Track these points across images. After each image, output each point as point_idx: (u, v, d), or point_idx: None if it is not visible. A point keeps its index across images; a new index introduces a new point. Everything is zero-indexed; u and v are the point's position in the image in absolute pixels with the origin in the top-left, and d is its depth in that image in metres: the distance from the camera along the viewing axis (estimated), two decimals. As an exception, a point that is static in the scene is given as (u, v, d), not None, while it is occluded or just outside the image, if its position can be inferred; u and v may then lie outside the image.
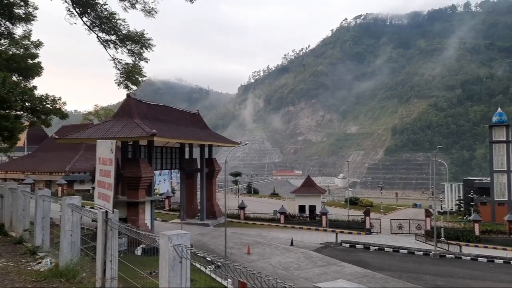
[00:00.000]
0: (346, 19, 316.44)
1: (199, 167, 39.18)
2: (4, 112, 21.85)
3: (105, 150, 7.00)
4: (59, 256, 8.86)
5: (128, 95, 29.45)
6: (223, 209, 33.30)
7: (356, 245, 32.22)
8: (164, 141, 31.90)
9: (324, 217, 39.57)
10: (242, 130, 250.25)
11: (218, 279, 18.31)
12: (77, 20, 13.68)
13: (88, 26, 13.87)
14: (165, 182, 56.37)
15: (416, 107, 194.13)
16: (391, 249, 31.25)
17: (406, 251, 30.94)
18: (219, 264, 4.09)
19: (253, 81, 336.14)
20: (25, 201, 12.55)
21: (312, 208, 43.75)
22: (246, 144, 44.45)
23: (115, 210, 6.80)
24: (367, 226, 39.08)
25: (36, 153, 58.56)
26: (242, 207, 42.43)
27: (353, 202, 52.83)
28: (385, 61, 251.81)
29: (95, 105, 75.32)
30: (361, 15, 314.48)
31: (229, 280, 17.81)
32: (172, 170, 48.58)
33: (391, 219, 40.95)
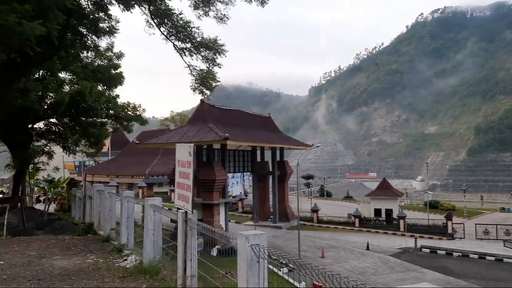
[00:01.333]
0: (422, 14, 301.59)
1: (271, 170, 39.46)
2: (91, 119, 23.61)
3: (184, 153, 7.29)
4: (142, 254, 9.37)
5: (202, 101, 30.47)
6: (296, 212, 33.24)
7: (438, 251, 30.58)
8: (236, 144, 32.55)
9: (401, 221, 38.06)
10: (314, 132, 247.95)
11: (291, 281, 18.31)
12: (155, 30, 14.47)
13: (165, 36, 14.61)
14: (238, 184, 57.47)
15: (502, 104, 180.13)
16: (476, 256, 29.27)
17: (493, 258, 28.78)
18: (293, 267, 4.09)
19: (324, 82, 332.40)
20: (112, 202, 13.43)
21: (389, 212, 42.27)
22: (318, 146, 44.05)
23: (194, 211, 7.05)
24: (449, 231, 36.92)
25: (119, 158, 62.32)
26: (315, 210, 42.06)
27: (433, 206, 50.18)
28: (466, 56, 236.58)
29: (171, 111, 78.78)
30: (438, 9, 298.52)
31: (303, 283, 17.75)
32: (245, 173, 49.36)
33: (476, 224, 38.33)
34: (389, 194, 43.83)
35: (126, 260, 9.94)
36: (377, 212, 42.76)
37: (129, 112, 25.37)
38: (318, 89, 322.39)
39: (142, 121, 26.31)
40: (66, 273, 8.55)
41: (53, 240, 13.52)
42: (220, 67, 15.16)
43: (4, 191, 53.96)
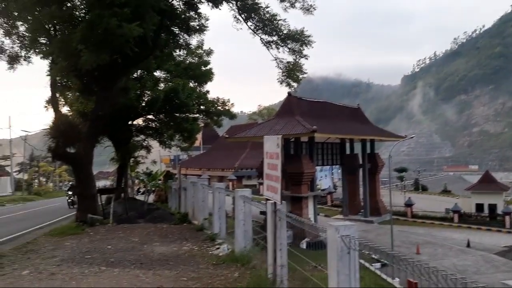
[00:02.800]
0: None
1: (361, 162, 38.40)
2: (184, 115, 24.82)
3: (272, 145, 7.35)
4: (234, 243, 9.66)
5: (289, 94, 30.49)
6: (388, 206, 32.03)
7: (550, 251, 27.63)
8: (324, 137, 32.14)
9: (507, 217, 34.90)
10: (407, 123, 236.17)
11: (384, 276, 17.68)
12: (242, 25, 14.77)
13: (252, 30, 14.86)
14: (326, 178, 56.85)
15: None
16: None
17: None
18: (386, 262, 3.92)
19: (417, 70, 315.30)
20: (204, 194, 14.03)
21: (492, 207, 38.98)
22: (412, 137, 41.89)
23: (283, 202, 7.08)
24: None
25: (210, 152, 64.78)
26: (409, 204, 40.18)
27: (544, 201, 45.34)
28: None
29: (259, 105, 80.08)
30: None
31: (397, 279, 17.08)
32: (333, 166, 48.62)
33: None
34: (492, 188, 40.41)
35: (218, 248, 10.32)
36: (479, 207, 39.66)
37: (218, 107, 26.24)
38: (412, 77, 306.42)
39: (231, 115, 27.06)
40: (165, 259, 9.10)
41: (153, 228, 14.47)
42: (307, 59, 15.09)
43: (109, 183, 58.89)
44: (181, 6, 15.84)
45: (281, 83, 15.85)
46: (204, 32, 16.54)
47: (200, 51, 24.99)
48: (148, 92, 24.02)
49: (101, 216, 16.33)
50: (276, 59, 15.41)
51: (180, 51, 20.01)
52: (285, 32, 14.68)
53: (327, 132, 30.09)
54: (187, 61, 25.33)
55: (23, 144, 58.39)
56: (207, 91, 26.29)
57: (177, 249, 10.33)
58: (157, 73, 24.91)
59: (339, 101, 48.22)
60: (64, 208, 29.35)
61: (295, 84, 16.02)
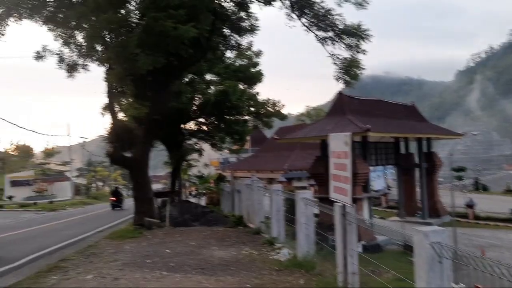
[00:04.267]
0: None
1: (417, 162, 36.80)
2: (234, 117, 24.76)
3: (339, 144, 6.92)
4: (295, 248, 9.28)
5: (340, 93, 29.72)
6: (447, 207, 30.45)
7: None
8: (378, 136, 31.03)
9: None
10: (463, 119, 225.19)
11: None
12: (295, 22, 14.40)
13: (306, 27, 14.45)
14: (380, 178, 55.07)
15: None
16: None
17: None
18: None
19: (472, 65, 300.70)
20: (260, 196, 13.76)
21: None
22: (475, 134, 39.69)
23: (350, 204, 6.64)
24: None
25: (259, 154, 64.68)
26: (470, 205, 38.00)
27: None
28: None
29: (306, 106, 79.12)
30: None
31: (461, 284, 16.04)
32: (387, 166, 47.03)
33: None
34: (562, 187, 37.56)
35: (279, 253, 9.97)
36: (548, 207, 36.91)
37: (269, 108, 25.97)
38: (467, 72, 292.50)
39: (282, 116, 26.71)
40: (225, 264, 8.86)
41: (209, 231, 14.35)
42: (364, 54, 14.45)
43: (161, 187, 60.22)
44: (232, 7, 15.70)
45: (338, 81, 15.32)
46: (255, 32, 16.31)
47: (249, 52, 24.83)
48: (199, 96, 24.14)
49: (157, 219, 16.45)
50: (332, 56, 14.90)
51: (231, 52, 19.93)
52: (341, 27, 14.15)
53: (381, 131, 29.04)
54: (237, 63, 25.24)
55: (81, 150, 60.93)
56: (257, 93, 26.10)
57: (236, 253, 10.08)
58: (208, 77, 25.01)
59: (388, 99, 46.67)
60: (121, 211, 30.14)
61: (352, 81, 15.42)
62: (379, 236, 22.80)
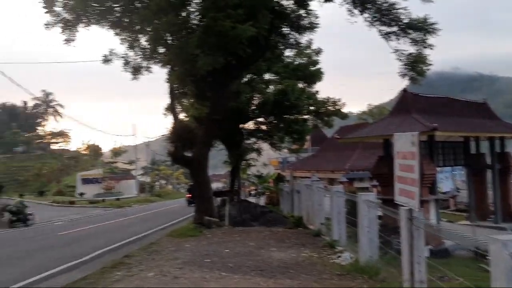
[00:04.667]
0: None
1: (488, 163, 34.50)
2: (293, 116, 24.49)
3: (405, 143, 6.51)
4: (357, 252, 8.91)
5: (404, 90, 28.53)
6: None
7: None
8: (445, 135, 29.40)
9: None
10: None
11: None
12: (357, 18, 13.92)
13: (369, 22, 13.92)
14: (447, 180, 52.36)
15: None
16: None
17: None
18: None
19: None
20: (320, 197, 13.42)
21: None
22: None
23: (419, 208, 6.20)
24: None
25: (319, 154, 63.78)
26: (548, 210, 35.10)
27: None
28: None
29: (368, 105, 77.00)
30: None
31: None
32: (455, 167, 44.60)
33: None
34: None
35: (340, 257, 9.62)
36: None
37: (329, 107, 25.45)
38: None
39: (343, 115, 26.09)
40: (284, 266, 8.67)
41: (268, 232, 14.24)
42: (431, 49, 13.65)
43: (220, 186, 61.18)
44: (291, 5, 15.47)
45: (403, 77, 14.64)
46: (315, 29, 15.96)
47: (308, 51, 24.46)
48: (258, 95, 24.14)
49: (217, 219, 16.60)
50: (396, 51, 14.23)
51: (291, 50, 19.71)
52: (405, 21, 13.47)
53: (450, 130, 27.46)
54: (296, 62, 24.96)
55: (145, 149, 63.41)
56: (317, 91, 25.68)
57: (296, 255, 9.86)
58: (266, 76, 24.95)
59: (455, 96, 44.18)
60: (182, 209, 30.91)
61: (419, 78, 14.65)
62: (447, 240, 21.64)
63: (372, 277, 7.55)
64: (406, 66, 14.35)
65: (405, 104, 29.40)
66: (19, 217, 20.31)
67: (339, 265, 8.79)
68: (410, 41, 13.82)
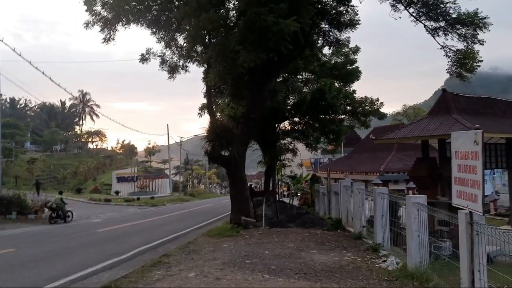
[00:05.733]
0: None
1: (533, 166, 32.89)
2: (330, 116, 24.00)
3: (466, 142, 6.09)
4: (405, 257, 8.50)
5: (444, 90, 27.58)
6: None
7: None
8: (487, 137, 28.21)
9: None
10: None
11: None
12: (401, 13, 13.39)
13: (414, 17, 13.37)
14: (487, 183, 50.48)
15: None
16: None
17: None
18: None
19: None
20: (361, 199, 12.97)
21: None
22: None
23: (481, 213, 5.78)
24: None
25: (352, 155, 62.70)
26: None
27: None
28: None
29: (403, 105, 75.20)
30: None
31: None
32: (495, 170, 42.93)
33: None
34: None
35: (385, 261, 9.21)
36: None
37: (366, 107, 24.82)
38: None
39: (380, 115, 25.41)
40: (328, 270, 8.34)
41: (306, 233, 13.91)
42: (482, 44, 12.97)
43: (253, 186, 60.98)
44: (331, 1, 15.10)
45: (451, 74, 14.01)
46: (356, 26, 15.52)
47: (346, 49, 23.94)
48: (294, 95, 23.82)
49: (253, 219, 16.39)
50: (443, 47, 13.62)
51: (330, 48, 19.30)
52: (454, 16, 12.85)
53: (493, 132, 26.27)
54: (333, 61, 24.50)
55: (179, 149, 64.07)
56: (354, 91, 25.10)
57: (338, 259, 9.50)
58: (303, 75, 24.61)
59: (496, 97, 42.30)
60: (216, 209, 30.91)
61: (468, 75, 13.97)
62: (487, 246, 20.71)
63: (422, 283, 7.15)
64: (454, 63, 13.71)
65: (445, 104, 28.36)
66: (59, 214, 20.72)
67: (385, 270, 8.40)
68: (458, 36, 13.19)
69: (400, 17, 13.41)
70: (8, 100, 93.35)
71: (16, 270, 9.50)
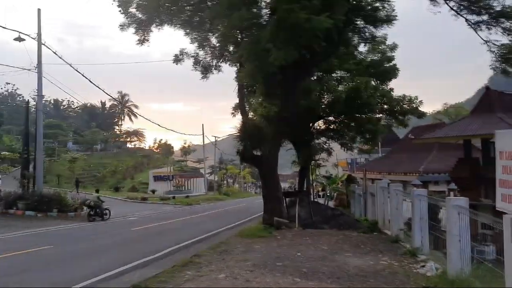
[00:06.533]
0: None
1: None
2: (366, 115, 23.37)
3: (511, 142, 5.65)
4: (445, 262, 8.07)
5: (487, 88, 26.47)
6: None
7: None
8: (536, 136, 26.75)
9: None
10: None
11: None
12: (441, 8, 12.81)
13: (455, 11, 12.75)
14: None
15: None
16: None
17: None
18: None
19: None
20: (398, 201, 12.50)
21: None
22: None
23: None
24: None
25: (390, 155, 61.15)
26: None
27: None
28: None
29: (444, 104, 72.80)
30: None
31: None
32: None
33: None
34: None
35: (424, 266, 8.79)
36: None
37: (404, 105, 24.01)
38: None
39: (419, 114, 24.50)
40: (362, 274, 8.02)
41: (341, 235, 13.56)
42: (529, 38, 12.22)
43: (286, 186, 60.65)
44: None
45: (495, 71, 13.28)
46: (393, 22, 14.98)
47: (383, 46, 23.24)
48: (329, 93, 23.34)
49: (286, 220, 16.15)
50: (486, 42, 12.92)
51: (365, 46, 18.80)
52: (497, 9, 12.16)
53: (542, 131, 24.91)
54: (369, 59, 23.83)
55: (214, 149, 64.57)
56: (391, 89, 24.30)
57: (374, 263, 9.14)
58: (337, 73, 24.09)
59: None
60: (250, 208, 30.84)
61: (514, 71, 13.21)
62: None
63: (464, 291, 6.73)
64: (499, 59, 12.97)
65: (488, 103, 27.14)
66: (97, 212, 21.19)
67: (424, 276, 8.01)
68: (503, 30, 12.46)
69: (439, 12, 12.83)
70: (52, 101, 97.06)
71: (52, 267, 9.70)
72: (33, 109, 27.09)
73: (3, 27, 20.19)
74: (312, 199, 27.40)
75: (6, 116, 77.46)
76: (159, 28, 16.46)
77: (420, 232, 10.14)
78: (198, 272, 8.34)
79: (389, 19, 15.20)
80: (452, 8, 12.73)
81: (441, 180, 50.21)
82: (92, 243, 13.69)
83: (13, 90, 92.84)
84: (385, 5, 15.26)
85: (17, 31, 21.33)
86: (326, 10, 9.89)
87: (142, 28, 16.64)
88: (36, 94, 24.80)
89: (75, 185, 42.95)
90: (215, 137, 63.53)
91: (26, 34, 21.75)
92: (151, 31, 16.95)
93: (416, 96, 23.63)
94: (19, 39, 21.37)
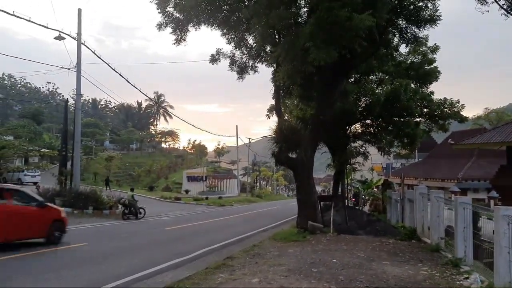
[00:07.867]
0: None
1: None
2: (405, 119, 22.68)
3: None
4: (491, 274, 7.60)
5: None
6: None
7: None
8: None
9: None
10: None
11: None
12: (489, 7, 12.18)
13: (505, 10, 12.10)
14: None
15: None
16: None
17: None
18: None
19: None
20: (439, 207, 11.95)
21: None
22: None
23: None
24: None
25: (427, 160, 59.52)
26: None
27: None
28: None
29: (485, 109, 70.17)
30: None
31: None
32: None
33: None
34: None
35: (467, 278, 8.30)
36: None
37: (445, 109, 23.13)
38: None
39: (461, 118, 23.53)
40: (403, 285, 7.62)
41: (377, 242, 13.10)
42: None
43: (320, 189, 59.85)
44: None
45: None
46: (437, 22, 14.41)
47: (423, 48, 22.49)
48: (366, 96, 22.81)
49: (321, 224, 15.80)
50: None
51: (407, 46, 18.19)
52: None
53: None
54: (409, 60, 23.13)
55: (247, 150, 64.62)
56: (432, 92, 23.47)
57: (414, 272, 8.71)
58: (376, 75, 23.52)
59: None
60: (283, 211, 30.58)
61: None
62: None
63: (515, 308, 6.26)
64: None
65: (536, 107, 25.83)
66: (131, 210, 21.49)
67: (468, 288, 7.54)
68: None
69: (487, 11, 12.18)
70: (90, 101, 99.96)
71: (86, 265, 9.77)
72: (72, 107, 27.78)
73: (45, 27, 20.69)
74: (347, 204, 26.87)
75: (47, 114, 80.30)
76: (196, 28, 16.51)
77: (463, 241, 9.62)
78: (231, 276, 8.17)
79: (432, 19, 14.64)
80: (502, 7, 12.08)
81: (481, 187, 48.36)
82: (126, 242, 13.82)
83: (54, 89, 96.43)
84: (429, 5, 14.73)
85: (58, 31, 21.85)
86: (368, 9, 9.56)
87: (180, 27, 16.71)
88: (75, 93, 25.43)
89: (105, 184, 44.18)
90: (249, 138, 63.56)
91: (66, 34, 22.28)
92: (188, 30, 17.00)
93: (457, 100, 22.75)
94: (59, 37, 21.91)
